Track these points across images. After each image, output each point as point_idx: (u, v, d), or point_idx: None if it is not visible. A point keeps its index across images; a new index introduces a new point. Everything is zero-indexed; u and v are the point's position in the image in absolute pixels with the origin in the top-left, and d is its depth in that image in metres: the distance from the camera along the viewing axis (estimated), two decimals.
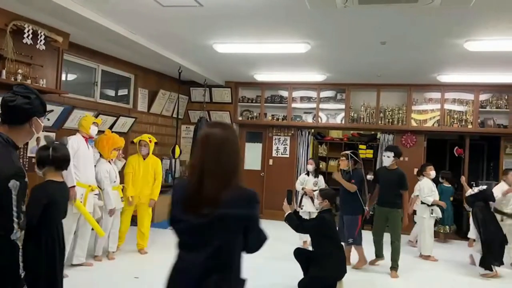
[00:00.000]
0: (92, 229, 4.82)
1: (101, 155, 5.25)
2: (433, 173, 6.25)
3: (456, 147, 8.26)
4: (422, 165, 6.61)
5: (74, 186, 4.56)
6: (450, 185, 7.24)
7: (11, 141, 1.97)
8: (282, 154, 9.11)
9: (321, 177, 6.57)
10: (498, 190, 5.77)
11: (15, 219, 1.87)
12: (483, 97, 8.04)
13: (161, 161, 8.55)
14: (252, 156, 9.32)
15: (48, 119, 5.65)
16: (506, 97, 7.91)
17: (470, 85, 7.80)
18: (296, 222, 4.33)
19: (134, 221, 5.83)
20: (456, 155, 8.24)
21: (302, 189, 6.52)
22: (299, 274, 4.47)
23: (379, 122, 8.39)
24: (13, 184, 1.87)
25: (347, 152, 5.64)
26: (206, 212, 1.70)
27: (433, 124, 8.22)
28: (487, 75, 7.03)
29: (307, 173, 6.61)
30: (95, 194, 4.97)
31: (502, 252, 5.27)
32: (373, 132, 9.52)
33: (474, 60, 6.06)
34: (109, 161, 5.27)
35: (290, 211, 4.37)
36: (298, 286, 4.37)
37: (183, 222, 1.80)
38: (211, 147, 1.77)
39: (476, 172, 9.17)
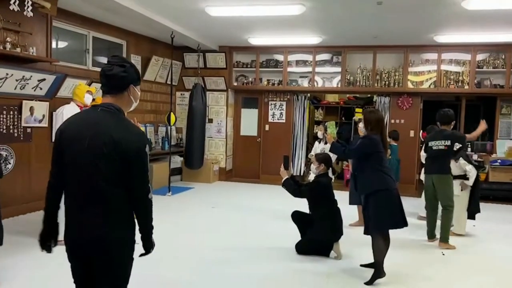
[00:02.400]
0: None
1: None
2: None
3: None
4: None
5: None
6: (396, 144, 7.10)
7: (121, 109, 2.04)
8: (278, 119, 9.09)
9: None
10: None
11: (149, 179, 2.04)
12: (480, 57, 7.96)
13: (157, 128, 8.57)
14: (248, 122, 9.30)
15: (41, 88, 5.58)
16: (503, 57, 7.84)
17: (467, 45, 7.71)
18: (294, 187, 4.38)
19: None
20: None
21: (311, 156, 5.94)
22: (297, 236, 4.57)
23: (376, 84, 8.34)
24: (147, 148, 2.01)
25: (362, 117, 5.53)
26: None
27: (429, 86, 8.18)
28: (485, 34, 6.93)
29: (319, 140, 6.20)
30: None
31: None
32: (369, 95, 9.48)
33: (471, 19, 5.95)
34: None
35: (287, 176, 4.41)
36: (296, 247, 4.47)
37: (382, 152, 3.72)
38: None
39: (472, 132, 9.20)
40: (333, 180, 4.90)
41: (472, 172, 5.29)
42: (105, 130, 1.92)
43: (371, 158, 3.66)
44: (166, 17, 6.44)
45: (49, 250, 2.08)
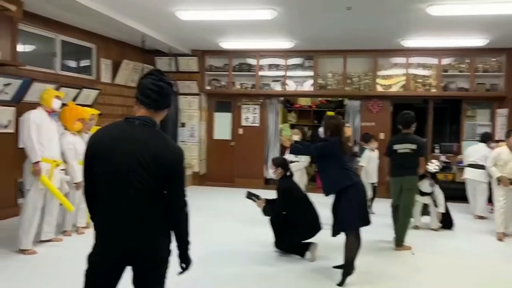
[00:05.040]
0: (61, 204, 4.74)
1: (66, 128, 5.10)
2: None
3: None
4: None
5: (38, 162, 4.44)
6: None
7: (157, 123, 2.04)
8: (252, 123, 9.12)
9: None
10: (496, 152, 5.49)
11: (186, 193, 2.06)
12: (445, 61, 8.23)
13: None
14: (221, 126, 9.29)
15: (7, 93, 5.42)
16: (467, 61, 8.12)
17: (433, 49, 7.96)
18: (271, 211, 4.55)
19: None
20: None
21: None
22: (270, 239, 4.58)
23: (346, 88, 8.49)
24: (184, 162, 2.05)
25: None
26: None
27: (398, 89, 8.38)
28: (449, 39, 7.17)
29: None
30: (61, 170, 4.86)
31: None
32: (340, 99, 9.63)
33: (436, 24, 6.15)
34: (73, 134, 5.13)
35: (263, 204, 4.57)
36: (276, 246, 4.52)
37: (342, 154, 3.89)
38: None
39: (440, 134, 9.50)
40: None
41: None
42: (145, 144, 1.93)
43: (332, 159, 3.83)
44: (137, 20, 6.38)
45: None
